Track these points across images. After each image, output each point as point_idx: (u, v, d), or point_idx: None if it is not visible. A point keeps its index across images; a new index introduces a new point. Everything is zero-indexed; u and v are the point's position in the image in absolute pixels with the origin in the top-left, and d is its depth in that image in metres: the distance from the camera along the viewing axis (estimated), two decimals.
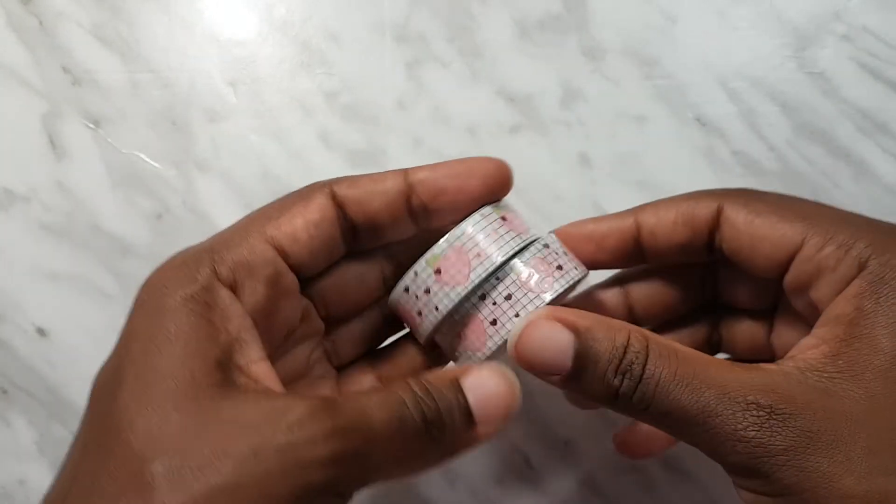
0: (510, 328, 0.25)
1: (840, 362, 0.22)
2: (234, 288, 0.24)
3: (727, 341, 0.31)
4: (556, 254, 0.27)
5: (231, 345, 0.23)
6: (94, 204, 0.40)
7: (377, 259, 0.29)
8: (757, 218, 0.26)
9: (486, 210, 0.26)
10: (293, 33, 0.41)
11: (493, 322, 0.26)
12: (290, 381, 0.27)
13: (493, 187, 0.27)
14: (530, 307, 0.25)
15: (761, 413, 0.21)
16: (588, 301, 0.31)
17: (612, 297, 0.31)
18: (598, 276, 0.31)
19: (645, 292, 0.30)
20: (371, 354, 0.31)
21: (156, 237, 0.40)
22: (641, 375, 0.22)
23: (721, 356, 0.31)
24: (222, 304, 0.23)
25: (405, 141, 0.40)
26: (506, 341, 0.25)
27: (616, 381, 0.22)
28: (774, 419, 0.21)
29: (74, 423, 0.39)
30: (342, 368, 0.30)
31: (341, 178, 0.27)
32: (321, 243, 0.26)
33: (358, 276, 0.28)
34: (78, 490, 0.21)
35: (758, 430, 0.21)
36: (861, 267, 0.23)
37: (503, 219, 0.26)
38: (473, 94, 0.40)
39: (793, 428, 0.21)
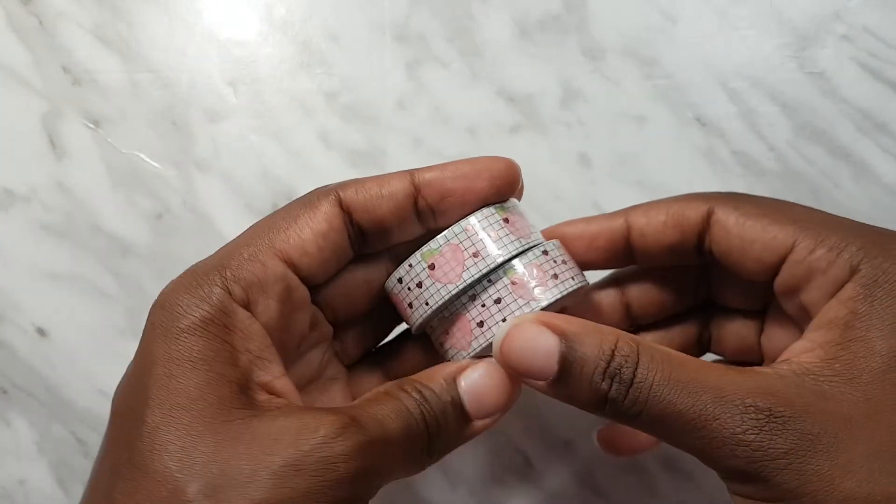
0: (496, 332, 0.25)
1: (836, 366, 0.22)
2: (247, 306, 0.24)
3: (716, 340, 0.31)
4: (555, 262, 0.26)
5: (253, 364, 0.23)
6: (94, 204, 0.40)
7: (382, 260, 0.29)
8: (747, 221, 0.25)
9: (489, 210, 0.26)
10: (293, 33, 0.41)
11: (480, 324, 0.26)
12: (304, 385, 0.27)
13: (501, 188, 0.26)
14: (518, 313, 0.25)
15: (760, 416, 0.21)
16: (584, 300, 0.31)
17: (608, 296, 0.31)
18: (594, 275, 0.31)
19: (641, 292, 0.30)
20: (378, 350, 0.31)
21: (156, 237, 0.40)
22: (632, 379, 0.22)
23: (709, 357, 0.31)
24: (241, 325, 0.23)
25: (405, 141, 0.40)
26: (491, 343, 0.25)
27: (604, 385, 0.22)
28: (774, 422, 0.21)
29: (74, 424, 0.39)
30: (351, 366, 0.30)
31: (346, 182, 0.26)
32: (331, 253, 0.26)
33: (364, 278, 0.28)
34: None
35: (757, 434, 0.21)
36: (853, 270, 0.23)
37: (506, 220, 0.26)
38: (473, 94, 0.40)
39: (793, 431, 0.21)
